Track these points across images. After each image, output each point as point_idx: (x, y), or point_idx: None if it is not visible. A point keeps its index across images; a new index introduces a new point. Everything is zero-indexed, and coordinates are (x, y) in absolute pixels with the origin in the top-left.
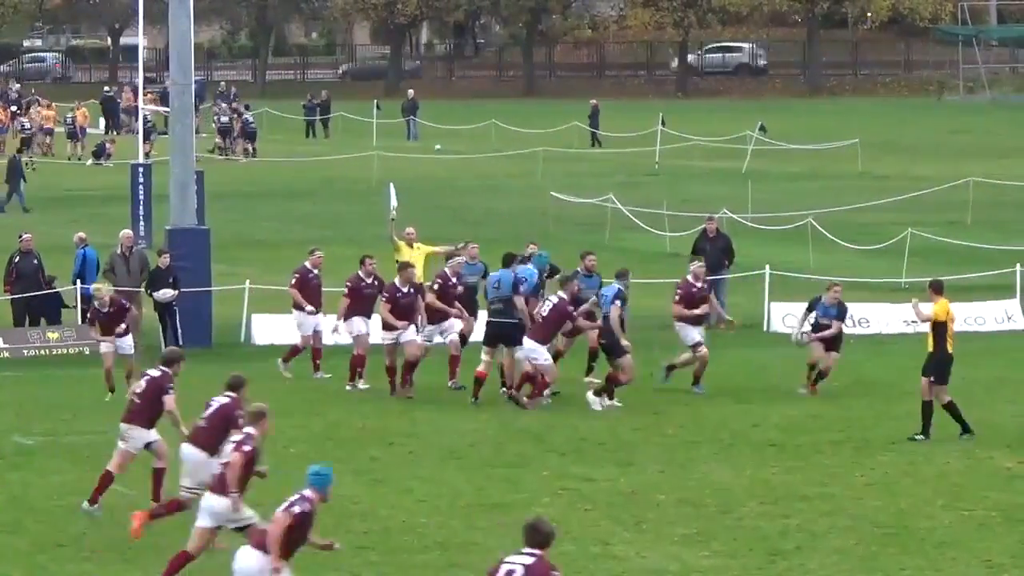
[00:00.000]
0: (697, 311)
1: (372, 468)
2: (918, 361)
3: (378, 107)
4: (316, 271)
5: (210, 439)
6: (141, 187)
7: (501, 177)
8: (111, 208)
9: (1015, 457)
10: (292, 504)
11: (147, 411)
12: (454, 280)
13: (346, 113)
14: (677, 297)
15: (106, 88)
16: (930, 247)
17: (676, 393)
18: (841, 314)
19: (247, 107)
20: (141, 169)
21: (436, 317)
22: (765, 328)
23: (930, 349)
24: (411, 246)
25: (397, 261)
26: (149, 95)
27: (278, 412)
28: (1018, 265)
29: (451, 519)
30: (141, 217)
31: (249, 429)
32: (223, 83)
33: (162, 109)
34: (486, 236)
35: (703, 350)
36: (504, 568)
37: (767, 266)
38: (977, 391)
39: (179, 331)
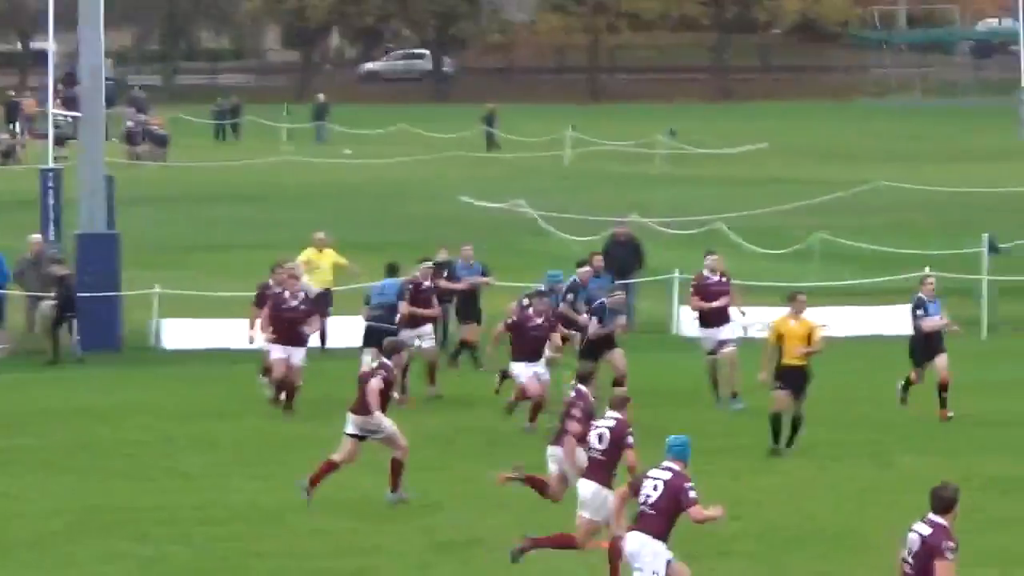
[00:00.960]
0: (716, 303)
1: (281, 473)
2: (825, 367)
3: (288, 111)
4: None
5: None
6: (51, 192)
7: (411, 181)
8: (19, 213)
9: (925, 460)
10: (684, 488)
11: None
12: (427, 284)
13: (256, 117)
14: (692, 290)
15: (11, 92)
16: (839, 251)
17: None
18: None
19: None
20: (51, 174)
21: (412, 322)
22: (674, 331)
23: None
24: (320, 251)
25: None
26: (59, 100)
27: (202, 416)
28: (927, 268)
29: (359, 523)
30: (51, 222)
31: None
32: (135, 88)
33: (71, 114)
34: (396, 241)
35: (729, 349)
36: (910, 537)
37: (676, 270)
38: (887, 394)
39: (77, 336)
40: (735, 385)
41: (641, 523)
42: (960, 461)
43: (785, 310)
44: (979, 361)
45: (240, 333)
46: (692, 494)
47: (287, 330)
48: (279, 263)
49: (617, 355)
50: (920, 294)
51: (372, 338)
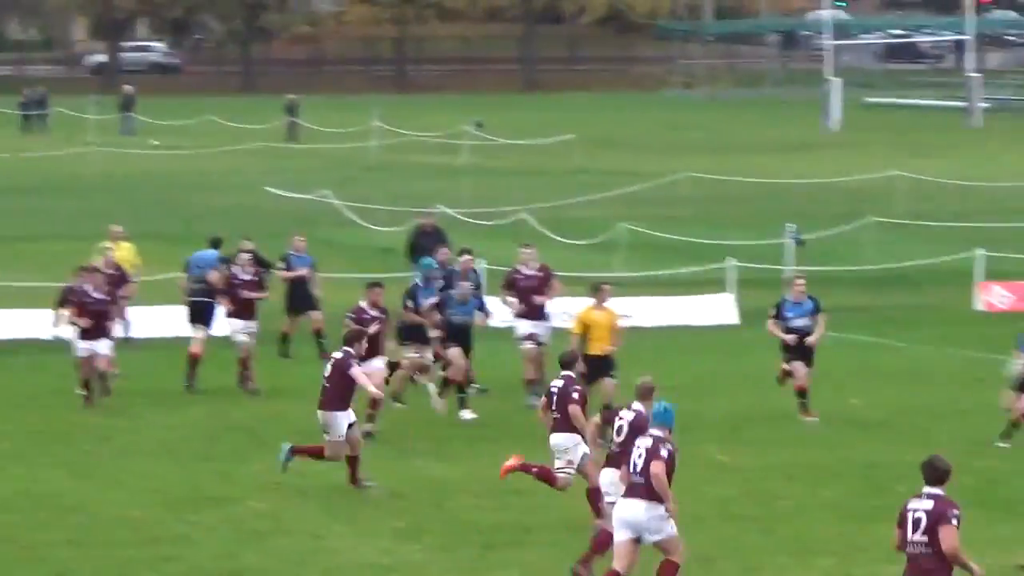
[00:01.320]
0: (533, 297)
1: (85, 462)
2: (629, 357)
3: (96, 102)
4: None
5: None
6: None
7: (218, 172)
8: None
9: (727, 450)
10: (656, 450)
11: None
12: (244, 276)
13: (65, 109)
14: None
15: None
16: (645, 241)
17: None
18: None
19: None
20: None
21: (238, 314)
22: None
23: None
24: (116, 244)
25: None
26: None
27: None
28: (732, 260)
29: (164, 513)
30: None
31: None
32: None
33: None
34: (201, 231)
35: (529, 346)
36: (911, 516)
37: (483, 261)
38: (689, 385)
39: None
40: (537, 379)
41: (636, 492)
42: (754, 449)
43: (590, 301)
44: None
45: (42, 324)
46: (664, 452)
47: (93, 322)
48: (86, 266)
49: (454, 353)
50: (785, 295)
51: (195, 314)
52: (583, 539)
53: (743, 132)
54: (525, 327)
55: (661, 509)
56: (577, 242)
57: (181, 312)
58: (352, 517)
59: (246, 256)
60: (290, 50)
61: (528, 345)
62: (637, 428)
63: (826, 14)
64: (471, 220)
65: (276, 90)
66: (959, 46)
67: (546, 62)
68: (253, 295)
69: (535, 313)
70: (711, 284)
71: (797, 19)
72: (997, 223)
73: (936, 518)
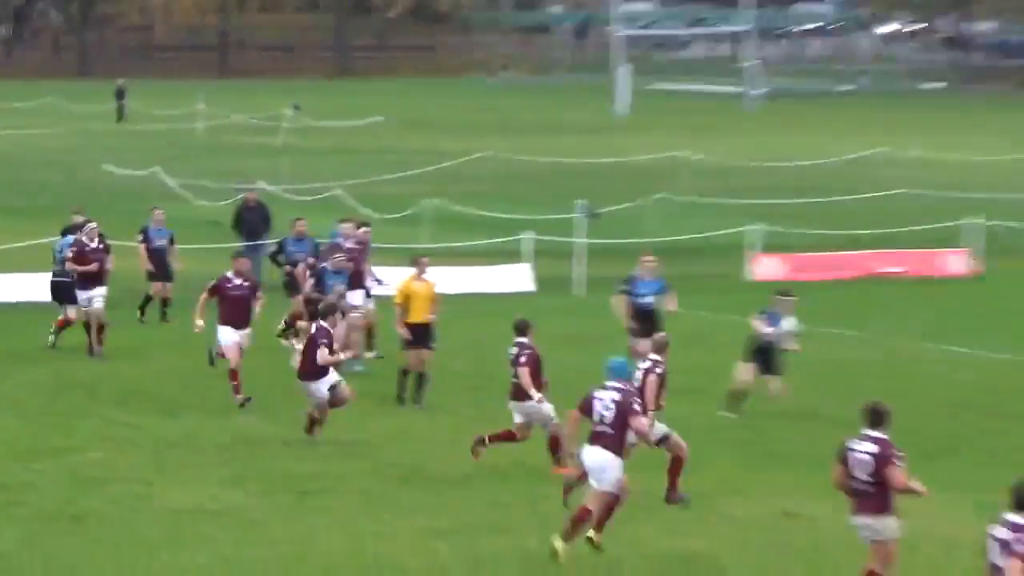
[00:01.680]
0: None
1: None
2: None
3: None
4: None
5: None
6: None
7: (58, 150)
8: None
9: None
10: (630, 404)
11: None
12: (92, 244)
13: None
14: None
15: None
16: (448, 216)
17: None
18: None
19: None
20: None
21: (84, 283)
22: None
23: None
24: None
25: None
26: None
27: None
28: (529, 232)
29: (10, 463)
30: None
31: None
32: None
33: None
34: (45, 206)
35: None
36: (854, 456)
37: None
38: (489, 348)
39: None
40: (366, 345)
41: (599, 440)
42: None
43: (411, 271)
44: (575, 316)
45: None
46: (636, 407)
47: None
48: None
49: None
50: (635, 272)
51: (56, 293)
52: (392, 486)
53: (539, 115)
54: (355, 297)
55: (618, 462)
56: (387, 216)
57: (28, 279)
58: (181, 466)
59: (92, 226)
60: (123, 37)
61: (354, 314)
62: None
63: (618, 6)
64: (290, 196)
65: (111, 75)
66: (737, 36)
67: (358, 50)
68: (87, 269)
69: (358, 282)
70: (509, 255)
71: (590, 11)
72: (774, 200)
73: (882, 461)
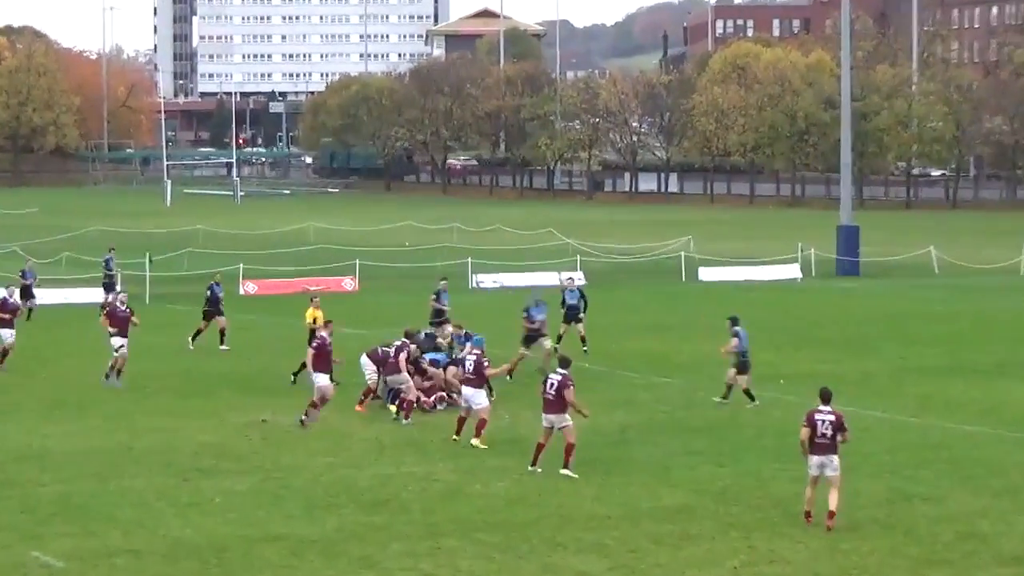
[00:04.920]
0: None
1: None
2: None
3: None
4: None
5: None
6: None
7: None
8: None
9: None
10: (565, 384)
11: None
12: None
13: None
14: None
15: None
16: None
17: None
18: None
19: None
20: None
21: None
22: None
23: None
24: None
25: None
26: None
27: None
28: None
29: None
30: None
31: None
32: None
33: None
34: None
35: None
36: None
37: None
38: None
39: None
40: None
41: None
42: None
43: None
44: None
45: None
46: (570, 384)
47: None
48: None
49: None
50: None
51: None
52: (266, 468)
53: (124, 206)
54: None
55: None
56: None
57: None
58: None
59: None
60: None
61: None
62: (562, 386)
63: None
64: None
65: None
66: (231, 166)
67: (28, 172)
68: None
69: None
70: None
71: (151, 150)
72: (253, 251)
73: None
